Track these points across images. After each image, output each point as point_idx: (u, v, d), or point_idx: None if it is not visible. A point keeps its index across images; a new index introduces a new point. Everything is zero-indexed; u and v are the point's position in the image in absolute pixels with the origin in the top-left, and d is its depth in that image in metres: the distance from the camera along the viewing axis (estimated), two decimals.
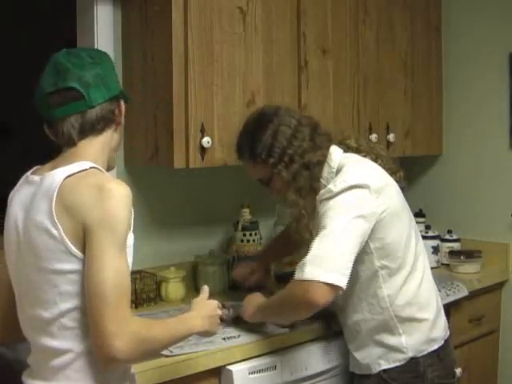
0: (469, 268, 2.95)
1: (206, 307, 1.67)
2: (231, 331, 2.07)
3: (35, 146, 4.94)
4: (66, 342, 1.45)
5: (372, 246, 1.93)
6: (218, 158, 2.30)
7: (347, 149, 2.09)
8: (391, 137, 2.87)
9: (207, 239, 2.73)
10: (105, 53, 1.65)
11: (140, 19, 2.36)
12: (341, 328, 2.12)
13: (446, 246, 3.07)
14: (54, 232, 1.41)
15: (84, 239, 1.41)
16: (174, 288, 2.47)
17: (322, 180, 1.99)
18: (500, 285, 3.02)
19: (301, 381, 2.11)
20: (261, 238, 2.69)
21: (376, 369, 2.00)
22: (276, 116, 2.01)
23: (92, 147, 1.54)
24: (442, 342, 2.04)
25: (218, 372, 1.97)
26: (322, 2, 2.60)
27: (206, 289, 1.75)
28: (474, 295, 2.79)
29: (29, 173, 1.59)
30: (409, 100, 3.00)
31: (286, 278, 2.41)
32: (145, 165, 2.37)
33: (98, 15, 2.41)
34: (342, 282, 1.78)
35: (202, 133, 2.24)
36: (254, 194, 2.78)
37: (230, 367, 1.97)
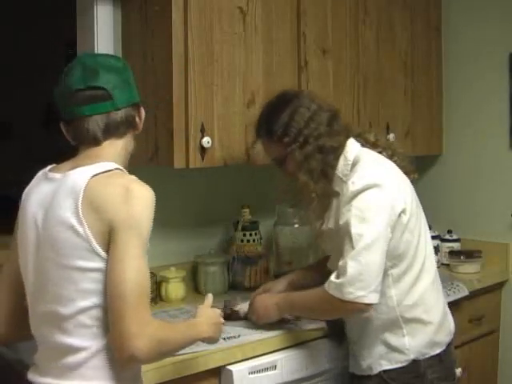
0: (469, 268, 2.95)
1: (212, 314, 1.70)
2: (231, 331, 2.07)
3: (35, 146, 4.96)
4: (81, 340, 1.46)
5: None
6: (218, 158, 2.30)
7: (365, 143, 2.10)
8: (391, 137, 2.86)
9: (207, 239, 2.73)
10: (125, 61, 1.70)
11: (140, 19, 2.36)
12: (342, 327, 2.12)
13: (446, 246, 3.08)
14: (80, 229, 1.43)
15: (109, 239, 1.42)
16: (174, 288, 2.47)
17: (337, 171, 2.00)
18: (500, 285, 3.02)
19: (301, 381, 2.11)
20: (261, 238, 2.69)
21: (377, 369, 2.00)
22: (297, 98, 2.04)
23: (113, 149, 1.58)
24: (445, 347, 2.04)
25: (218, 372, 1.97)
26: (322, 2, 2.60)
27: (210, 296, 1.78)
28: (474, 295, 2.79)
29: (46, 170, 1.60)
30: (409, 100, 3.00)
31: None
32: (145, 165, 2.37)
33: (98, 15, 2.41)
34: (378, 298, 1.87)
35: (202, 133, 2.24)
36: (254, 194, 2.78)
37: (230, 367, 1.97)
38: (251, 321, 2.15)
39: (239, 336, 2.05)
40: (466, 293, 2.69)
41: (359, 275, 1.83)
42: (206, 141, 2.23)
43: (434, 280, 2.06)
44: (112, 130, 1.56)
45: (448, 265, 3.02)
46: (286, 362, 2.07)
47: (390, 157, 2.10)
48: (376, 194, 1.91)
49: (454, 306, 2.59)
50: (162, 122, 2.25)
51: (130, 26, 2.43)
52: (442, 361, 2.02)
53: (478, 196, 3.12)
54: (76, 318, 1.45)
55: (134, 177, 1.53)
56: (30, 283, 1.55)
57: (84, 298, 1.45)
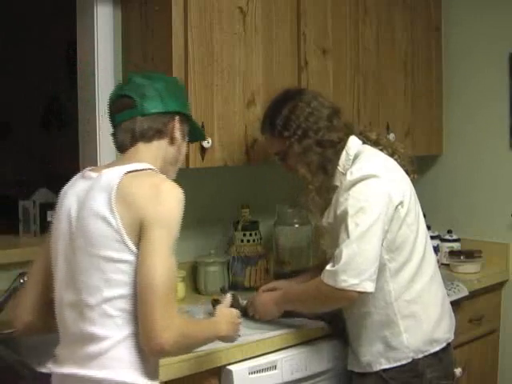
0: (469, 268, 2.95)
1: (230, 314, 1.75)
2: None
3: (35, 145, 4.96)
4: (105, 329, 1.50)
5: (384, 237, 1.94)
6: (218, 158, 2.30)
7: (366, 140, 2.13)
8: (391, 137, 2.86)
9: (207, 239, 2.73)
10: (178, 80, 1.84)
11: (140, 19, 2.36)
12: (343, 327, 2.12)
13: (446, 246, 3.08)
14: (112, 221, 1.49)
15: (139, 234, 1.48)
16: None
17: (338, 167, 2.03)
18: (500, 285, 3.02)
19: (301, 381, 2.11)
20: (261, 238, 2.69)
21: (376, 367, 2.01)
22: (299, 95, 2.10)
23: (143, 154, 1.64)
24: (444, 345, 2.04)
25: (218, 372, 1.98)
26: (322, 1, 2.60)
27: (228, 297, 1.83)
28: (473, 295, 2.79)
29: (84, 171, 1.67)
30: (409, 100, 3.00)
31: (284, 277, 2.44)
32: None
33: (98, 15, 2.41)
34: (372, 287, 1.89)
35: None
36: (253, 194, 2.78)
37: (230, 367, 1.97)
38: (254, 319, 2.16)
39: (239, 336, 2.05)
40: (465, 293, 2.69)
41: (353, 263, 1.86)
42: (206, 141, 2.23)
43: (433, 277, 2.07)
44: (139, 136, 1.64)
45: (448, 265, 3.02)
46: (286, 362, 2.07)
47: (391, 155, 2.12)
48: (373, 184, 1.93)
49: (454, 305, 2.59)
50: None
51: (130, 25, 2.43)
52: (441, 360, 2.02)
53: (477, 196, 3.12)
54: (101, 307, 1.50)
55: (164, 176, 1.60)
56: (59, 273, 1.59)
57: (110, 288, 1.49)
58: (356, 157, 2.02)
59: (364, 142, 2.10)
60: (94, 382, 1.49)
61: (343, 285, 1.86)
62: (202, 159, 2.26)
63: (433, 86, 3.14)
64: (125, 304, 1.49)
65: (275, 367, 2.05)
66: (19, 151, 5.05)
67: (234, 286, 2.62)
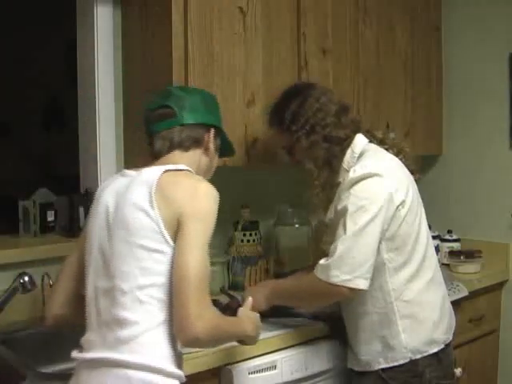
0: (469, 268, 2.95)
1: (253, 316, 1.78)
2: None
3: (35, 145, 4.96)
4: (136, 315, 1.54)
5: (383, 237, 1.94)
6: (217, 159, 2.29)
7: (372, 139, 2.13)
8: (391, 135, 2.86)
9: None
10: (214, 95, 1.90)
11: (140, 19, 2.36)
12: (343, 326, 2.12)
13: (446, 246, 3.08)
14: (151, 212, 1.55)
15: (176, 230, 1.55)
16: None
17: (343, 164, 2.03)
18: (500, 285, 3.02)
19: (301, 381, 2.11)
20: (261, 238, 2.70)
21: (376, 366, 2.01)
22: (308, 90, 2.10)
23: (179, 159, 1.73)
24: (443, 346, 2.04)
25: (218, 372, 1.98)
26: (322, 1, 2.60)
27: (250, 300, 1.84)
28: (474, 295, 2.79)
29: (123, 170, 1.75)
30: (409, 100, 3.00)
31: (284, 276, 2.43)
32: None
33: (98, 15, 2.42)
34: (365, 285, 1.89)
35: None
36: (254, 194, 2.78)
37: (229, 367, 1.97)
38: None
39: None
40: (465, 293, 2.69)
41: (346, 258, 1.87)
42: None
43: (434, 278, 2.06)
44: (176, 144, 1.73)
45: (448, 265, 3.02)
46: (286, 362, 2.07)
47: (396, 155, 2.13)
48: (375, 183, 1.94)
49: (454, 305, 2.58)
50: None
51: (130, 26, 2.43)
52: (441, 360, 2.02)
53: (478, 196, 3.12)
54: (133, 293, 1.54)
55: (201, 177, 1.70)
56: (93, 264, 1.63)
57: (144, 276, 1.54)
58: (361, 155, 2.03)
59: (370, 141, 2.11)
60: (123, 366, 1.52)
61: (335, 280, 1.87)
62: None
63: (433, 86, 3.14)
64: (157, 292, 1.54)
65: (275, 367, 2.05)
66: (19, 151, 5.06)
67: (234, 286, 2.62)
